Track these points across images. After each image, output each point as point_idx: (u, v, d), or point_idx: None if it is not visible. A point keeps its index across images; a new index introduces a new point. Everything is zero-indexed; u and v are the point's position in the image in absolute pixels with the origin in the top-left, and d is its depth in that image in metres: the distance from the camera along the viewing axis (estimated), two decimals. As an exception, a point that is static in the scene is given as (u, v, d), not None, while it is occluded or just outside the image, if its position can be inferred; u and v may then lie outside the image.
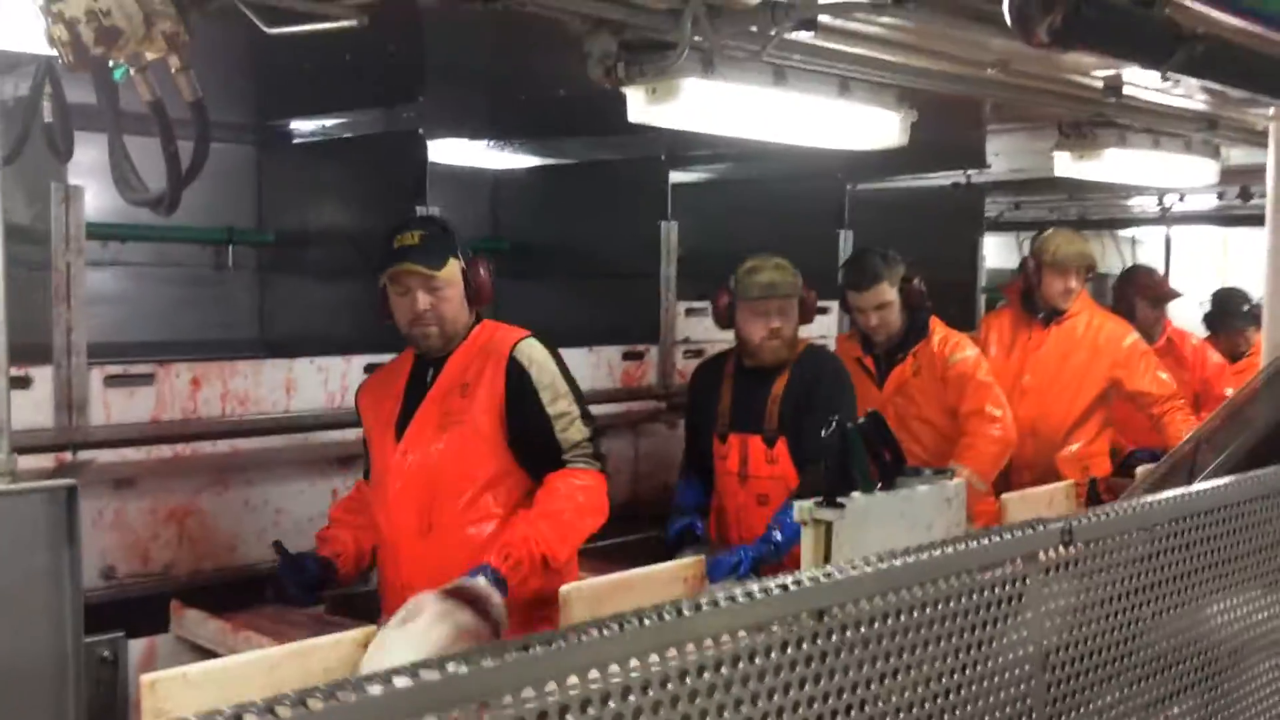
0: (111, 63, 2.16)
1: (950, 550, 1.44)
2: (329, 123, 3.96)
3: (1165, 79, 2.81)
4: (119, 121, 2.33)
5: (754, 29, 2.16)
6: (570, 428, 2.86)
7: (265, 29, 2.16)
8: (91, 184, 3.89)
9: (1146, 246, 9.18)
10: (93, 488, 3.04)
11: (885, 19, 2.41)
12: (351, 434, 3.43)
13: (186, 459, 3.11)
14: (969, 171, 5.48)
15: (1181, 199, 6.89)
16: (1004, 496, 3.84)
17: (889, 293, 3.98)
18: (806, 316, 3.62)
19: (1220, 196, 6.56)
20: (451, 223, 3.09)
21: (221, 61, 4.06)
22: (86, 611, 3.01)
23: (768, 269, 3.55)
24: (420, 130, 3.60)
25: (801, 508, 2.28)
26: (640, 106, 2.47)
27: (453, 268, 2.88)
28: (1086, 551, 1.40)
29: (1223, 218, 7.66)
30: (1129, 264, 9.09)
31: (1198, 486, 1.67)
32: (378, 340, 3.53)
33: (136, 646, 2.93)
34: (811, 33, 2.20)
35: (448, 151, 4.80)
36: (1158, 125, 3.73)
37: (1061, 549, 1.39)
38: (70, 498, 1.28)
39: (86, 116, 3.81)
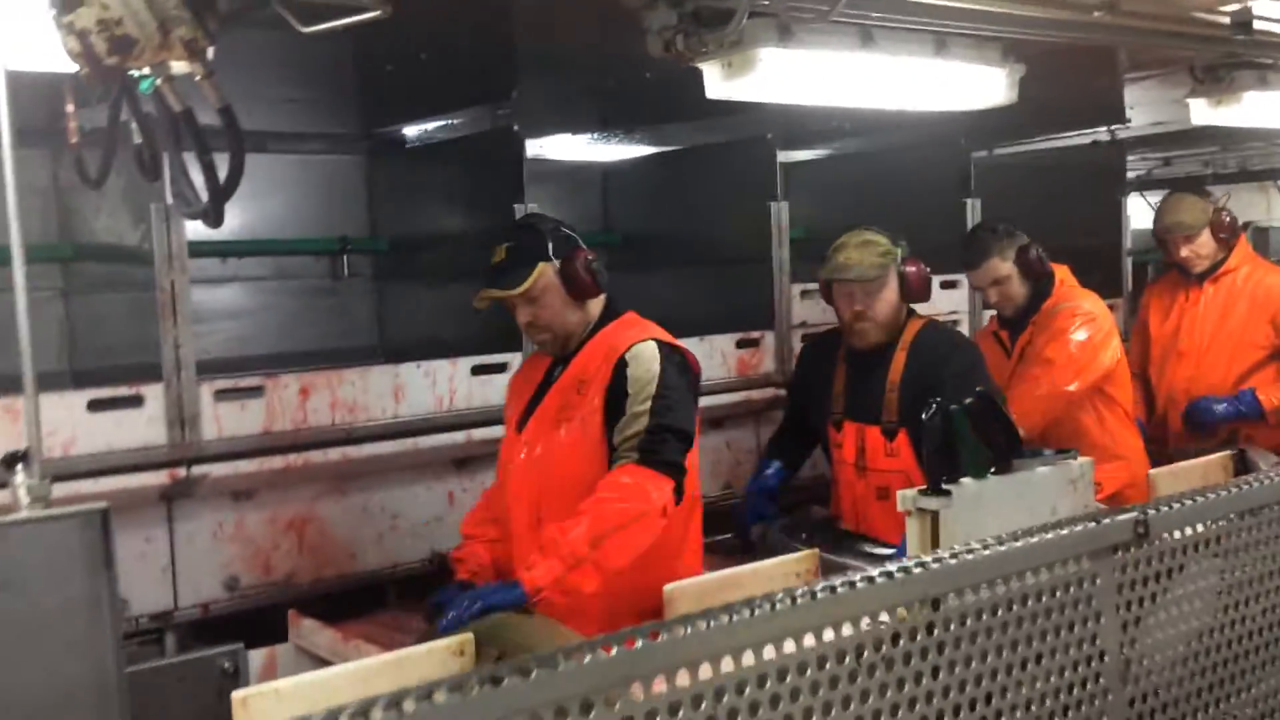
0: (138, 73, 2.16)
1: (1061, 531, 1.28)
2: (430, 126, 3.97)
3: (1300, 6, 2.53)
4: (170, 135, 2.32)
5: (818, -11, 2.02)
6: (630, 425, 2.72)
7: (300, 28, 2.12)
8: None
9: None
10: (211, 500, 3.11)
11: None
12: (462, 436, 3.44)
13: (298, 469, 3.14)
14: (1110, 127, 5.16)
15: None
16: (1153, 472, 3.57)
17: (1002, 267, 3.81)
18: (911, 294, 3.42)
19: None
20: (548, 219, 3.03)
21: (326, 73, 4.14)
22: (213, 624, 3.15)
23: (851, 246, 3.40)
24: (516, 127, 3.55)
25: (904, 497, 2.13)
26: (717, 82, 2.36)
27: (541, 275, 2.81)
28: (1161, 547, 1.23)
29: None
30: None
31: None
32: (491, 342, 3.55)
33: (257, 657, 2.99)
34: (886, -13, 2.05)
35: (555, 147, 4.78)
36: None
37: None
38: (104, 521, 1.26)
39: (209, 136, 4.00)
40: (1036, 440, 3.63)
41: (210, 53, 2.11)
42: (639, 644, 1.29)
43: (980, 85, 2.78)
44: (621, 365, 2.78)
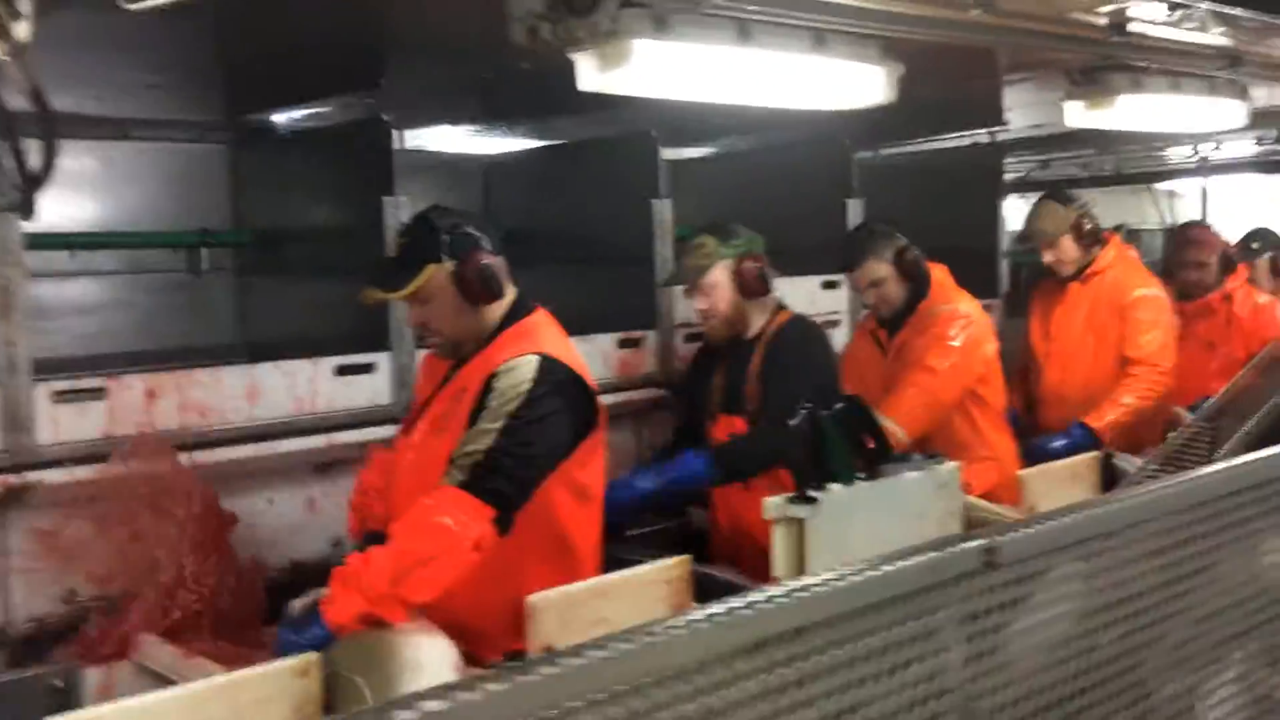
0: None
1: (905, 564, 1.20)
2: (297, 114, 3.80)
3: (1172, 9, 2.54)
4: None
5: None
6: (473, 440, 2.55)
7: (124, 4, 1.96)
8: (56, 191, 3.80)
9: (1187, 200, 8.81)
10: (47, 509, 2.90)
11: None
12: (323, 440, 3.29)
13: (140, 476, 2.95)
14: (989, 129, 5.22)
15: (1218, 147, 6.54)
16: (1022, 473, 3.60)
17: (879, 269, 3.82)
18: (747, 290, 3.43)
19: (1259, 142, 6.22)
20: (451, 215, 2.85)
21: (189, 57, 3.93)
22: (48, 638, 2.95)
23: (686, 250, 3.47)
24: (385, 117, 3.41)
25: (770, 504, 2.07)
26: (590, 73, 2.26)
27: (430, 277, 2.66)
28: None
29: (1265, 163, 7.28)
30: (1168, 220, 8.76)
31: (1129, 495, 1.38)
32: (362, 340, 3.40)
33: (93, 675, 2.79)
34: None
35: (434, 138, 4.64)
36: (1174, 65, 3.44)
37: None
38: None
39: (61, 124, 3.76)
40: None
41: (23, 30, 1.93)
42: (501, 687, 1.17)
43: (859, 84, 2.74)
44: (492, 378, 2.63)
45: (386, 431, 3.22)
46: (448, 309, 2.69)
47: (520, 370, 2.60)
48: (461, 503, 2.47)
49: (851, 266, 3.88)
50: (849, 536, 2.15)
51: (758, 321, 3.49)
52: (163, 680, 2.70)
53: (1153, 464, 2.60)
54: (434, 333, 2.75)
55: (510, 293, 2.79)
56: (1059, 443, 3.99)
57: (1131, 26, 2.82)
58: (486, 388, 2.61)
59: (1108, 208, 8.31)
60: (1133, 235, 8.06)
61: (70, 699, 2.67)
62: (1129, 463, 3.66)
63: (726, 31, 2.27)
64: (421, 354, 3.13)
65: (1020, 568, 1.15)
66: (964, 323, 3.74)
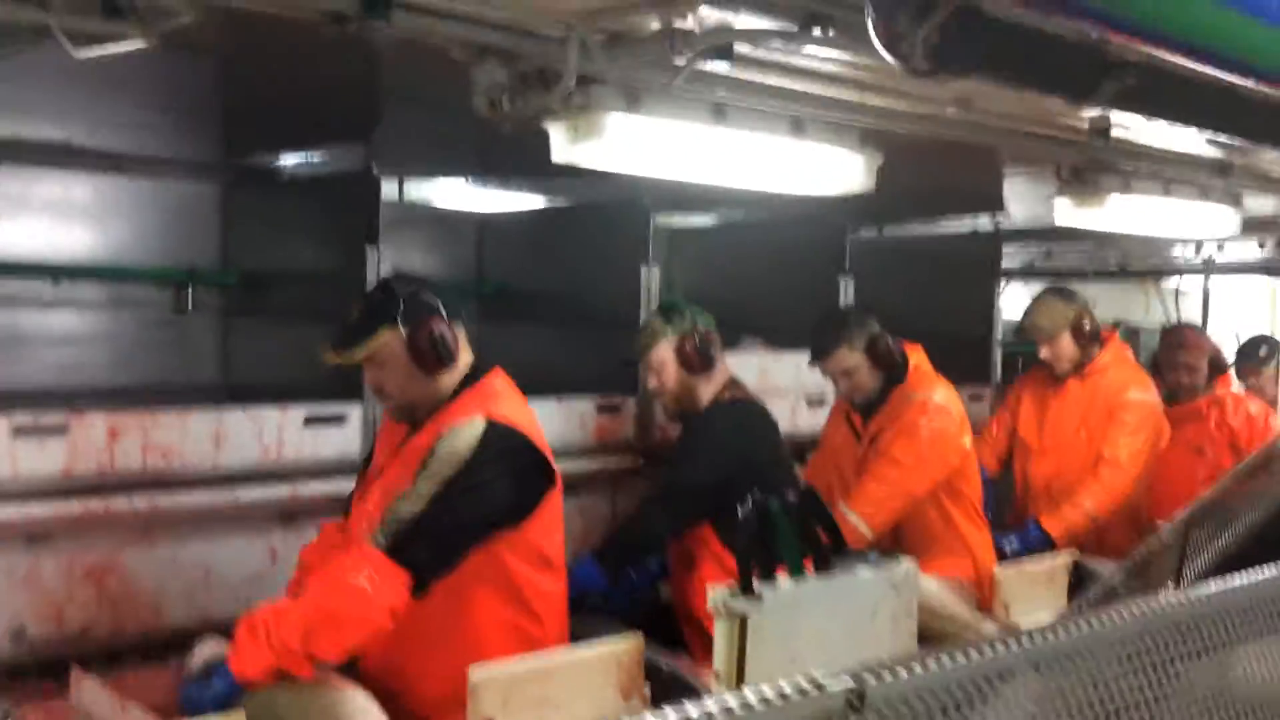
0: None
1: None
2: (291, 160, 3.81)
3: (1150, 119, 2.53)
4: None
5: (652, 59, 1.93)
6: (403, 503, 2.52)
7: (73, 53, 1.96)
8: (44, 220, 3.82)
9: (1192, 298, 8.78)
10: (3, 543, 2.87)
11: (833, 53, 2.17)
12: (287, 490, 3.25)
13: (99, 515, 2.92)
14: (993, 216, 5.21)
15: (1221, 248, 6.53)
16: (997, 570, 3.55)
17: (850, 357, 3.73)
18: (689, 365, 3.43)
19: (1261, 246, 6.21)
20: (411, 281, 2.88)
21: (189, 98, 3.96)
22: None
23: (642, 326, 3.54)
24: (375, 169, 3.41)
25: (713, 596, 2.02)
26: (562, 145, 2.26)
27: (382, 342, 2.66)
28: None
29: (1269, 268, 7.28)
30: (1172, 317, 8.72)
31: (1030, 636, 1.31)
32: (341, 387, 3.37)
33: (36, 715, 2.74)
34: (728, 63, 1.97)
35: (430, 192, 4.65)
36: (1164, 171, 3.43)
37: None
38: None
39: (47, 152, 3.78)
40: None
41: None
42: None
43: (838, 170, 2.73)
44: (437, 440, 2.61)
45: (352, 484, 3.19)
46: (400, 374, 2.68)
47: (463, 436, 2.58)
48: (381, 567, 2.44)
49: (821, 356, 3.79)
50: (795, 635, 2.10)
51: (706, 396, 3.47)
52: (98, 727, 2.65)
53: (1118, 576, 2.55)
54: (387, 396, 2.75)
55: (466, 357, 2.77)
56: (1014, 545, 3.94)
57: (1115, 132, 2.80)
58: (431, 450, 2.59)
59: (1110, 302, 8.30)
60: (1130, 334, 8.02)
61: (6, 741, 2.61)
62: (1103, 566, 3.61)
63: (701, 110, 2.27)
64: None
65: (893, 713, 1.11)
66: (936, 412, 3.67)
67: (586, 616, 3.16)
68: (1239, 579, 1.82)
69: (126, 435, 2.95)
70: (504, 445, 2.62)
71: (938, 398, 3.70)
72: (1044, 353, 4.25)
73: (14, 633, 2.92)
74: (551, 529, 2.82)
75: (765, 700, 1.04)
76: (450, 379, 2.72)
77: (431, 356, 2.66)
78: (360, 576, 2.41)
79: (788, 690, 1.07)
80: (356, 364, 2.73)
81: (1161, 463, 4.28)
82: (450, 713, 2.60)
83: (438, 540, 2.50)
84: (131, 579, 3.10)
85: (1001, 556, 3.78)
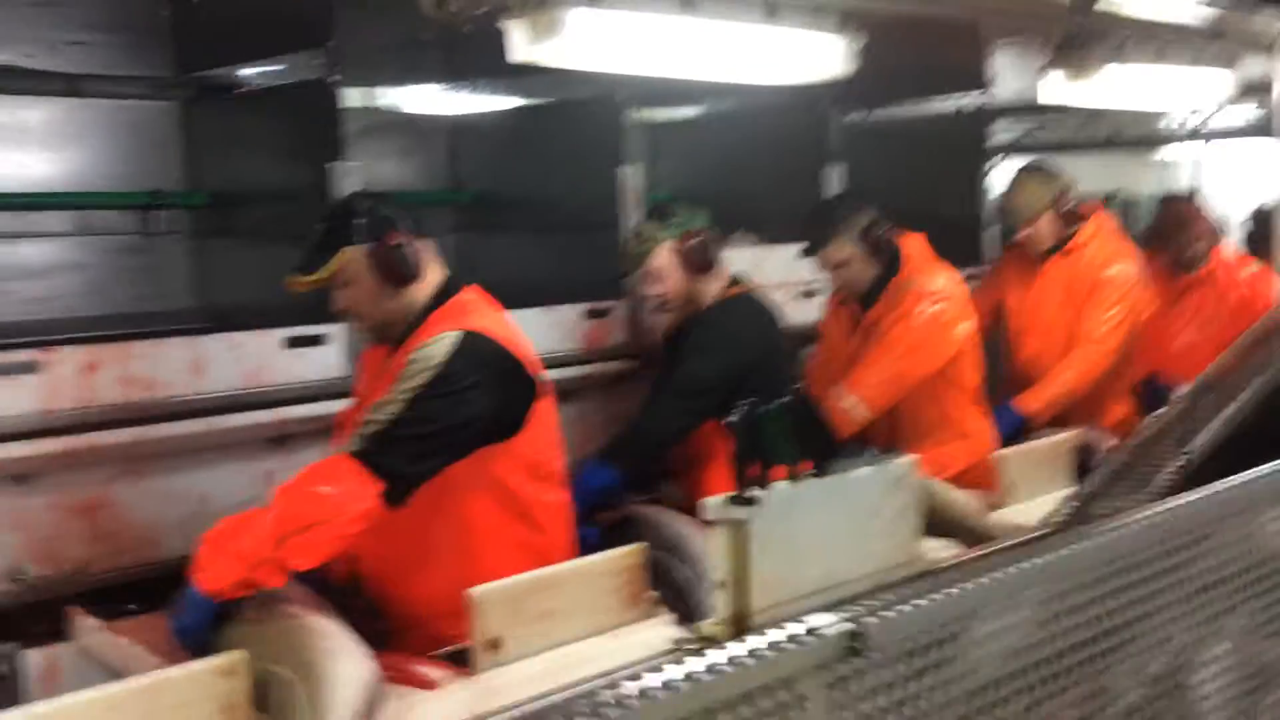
0: None
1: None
2: (250, 71, 3.66)
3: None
4: None
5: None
6: (377, 410, 2.46)
7: None
8: (-1, 151, 3.69)
9: (1181, 167, 8.64)
10: (-16, 485, 2.82)
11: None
12: (271, 415, 3.19)
13: (83, 451, 2.86)
14: (980, 93, 5.07)
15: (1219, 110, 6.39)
16: (1000, 453, 3.52)
17: (844, 250, 3.60)
18: (693, 266, 3.32)
19: (1260, 108, 6.08)
20: (368, 197, 2.78)
21: (138, 11, 3.79)
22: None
23: (629, 241, 3.39)
24: (333, 78, 3.27)
25: (708, 505, 1.97)
26: (522, 44, 2.14)
27: (346, 261, 2.60)
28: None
29: (1263, 129, 7.14)
30: (1164, 187, 8.60)
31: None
32: (320, 308, 3.29)
33: (37, 658, 2.72)
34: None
35: (399, 98, 4.51)
36: (1156, 37, 3.29)
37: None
38: None
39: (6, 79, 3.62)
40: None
41: None
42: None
43: (817, 55, 2.60)
44: (412, 352, 2.56)
45: (340, 405, 3.13)
46: (368, 292, 2.63)
47: (436, 346, 2.52)
48: (349, 473, 2.39)
49: (813, 250, 3.67)
50: (797, 539, 2.06)
51: (709, 296, 3.38)
52: (105, 666, 2.63)
53: (1124, 452, 2.50)
54: (358, 317, 2.70)
55: (437, 273, 2.71)
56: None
57: (1101, 7, 2.66)
58: (407, 362, 2.54)
59: (1105, 173, 8.18)
60: (1129, 205, 7.91)
61: (14, 684, 2.59)
62: (1103, 439, 3.58)
63: (668, 1, 2.14)
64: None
65: (894, 649, 1.06)
66: (935, 297, 3.58)
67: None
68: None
69: (103, 368, 2.88)
70: (480, 354, 2.56)
71: (937, 283, 3.60)
72: (1023, 233, 4.14)
73: (11, 572, 2.88)
74: (545, 440, 2.77)
75: (766, 649, 0.99)
76: (421, 293, 2.67)
77: (396, 270, 2.61)
78: (326, 484, 2.37)
79: (787, 638, 1.02)
80: (324, 288, 2.65)
81: (1168, 335, 4.23)
82: (455, 627, 2.60)
83: (411, 446, 2.44)
84: (124, 513, 3.05)
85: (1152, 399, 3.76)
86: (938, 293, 3.58)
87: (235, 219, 3.89)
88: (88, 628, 2.70)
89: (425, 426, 2.47)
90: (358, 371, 2.93)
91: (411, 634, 2.65)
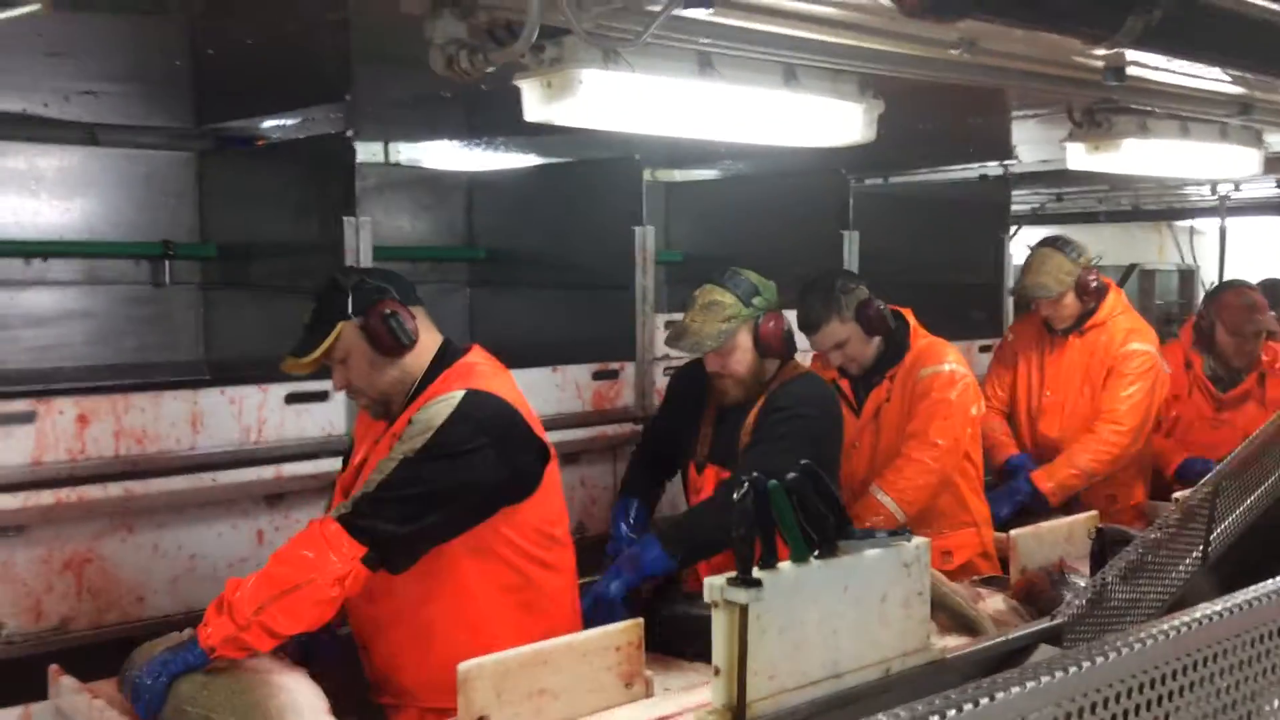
0: None
1: None
2: (266, 124, 3.65)
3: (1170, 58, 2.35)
4: None
5: (624, 5, 1.76)
6: (375, 472, 2.41)
7: None
8: (11, 195, 3.68)
9: (1207, 237, 8.58)
10: (-29, 538, 2.76)
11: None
12: (271, 472, 3.13)
13: (72, 505, 2.80)
14: (1001, 162, 5.04)
15: (1237, 188, 6.32)
16: (1014, 533, 3.40)
17: (841, 330, 3.45)
18: (767, 351, 3.08)
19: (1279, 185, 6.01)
20: (356, 271, 2.75)
21: (155, 61, 3.79)
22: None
23: (696, 308, 3.07)
24: (349, 132, 3.25)
25: (709, 586, 1.88)
26: (536, 104, 2.09)
27: (341, 336, 2.52)
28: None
29: (1286, 205, 7.06)
30: (1188, 259, 8.52)
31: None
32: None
33: (9, 717, 2.64)
34: (707, 10, 1.80)
35: (417, 153, 4.50)
36: (1182, 110, 3.24)
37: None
38: None
39: (12, 124, 3.62)
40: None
41: None
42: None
43: (836, 121, 2.55)
44: (414, 412, 2.50)
45: (338, 464, 3.07)
46: (364, 366, 2.55)
47: (439, 407, 2.45)
48: (331, 538, 2.34)
49: (810, 331, 3.48)
50: (800, 623, 1.97)
51: (768, 373, 3.14)
52: (74, 728, 2.55)
53: (1141, 546, 2.40)
54: (358, 392, 2.61)
55: (433, 338, 2.63)
56: (1004, 507, 3.78)
57: (1131, 70, 2.61)
58: (408, 423, 2.48)
59: (1123, 244, 8.12)
60: (1145, 275, 7.83)
61: (-14, 740, 2.51)
62: (1124, 530, 3.46)
63: (686, 63, 2.10)
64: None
65: None
66: (961, 386, 3.45)
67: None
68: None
69: (97, 420, 2.83)
70: (483, 415, 2.48)
71: (949, 365, 3.47)
72: (1046, 312, 4.03)
73: (-11, 628, 2.81)
74: (551, 505, 2.68)
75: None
76: (417, 361, 2.59)
77: (390, 340, 2.53)
78: (308, 548, 2.33)
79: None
80: (322, 367, 2.59)
81: (1213, 445, 4.07)
82: (450, 701, 2.51)
83: (398, 508, 2.37)
84: (111, 569, 2.98)
85: (997, 519, 3.63)
86: (960, 379, 3.45)
87: (246, 272, 3.86)
88: (66, 687, 2.62)
89: (416, 488, 2.39)
90: (355, 433, 2.86)
91: (407, 707, 2.57)
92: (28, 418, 2.74)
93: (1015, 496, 3.82)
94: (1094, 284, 3.93)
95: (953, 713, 1.22)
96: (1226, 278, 5.64)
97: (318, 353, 2.51)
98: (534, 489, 2.58)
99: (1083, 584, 2.66)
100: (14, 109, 3.53)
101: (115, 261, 3.83)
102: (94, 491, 2.82)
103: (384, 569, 2.39)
